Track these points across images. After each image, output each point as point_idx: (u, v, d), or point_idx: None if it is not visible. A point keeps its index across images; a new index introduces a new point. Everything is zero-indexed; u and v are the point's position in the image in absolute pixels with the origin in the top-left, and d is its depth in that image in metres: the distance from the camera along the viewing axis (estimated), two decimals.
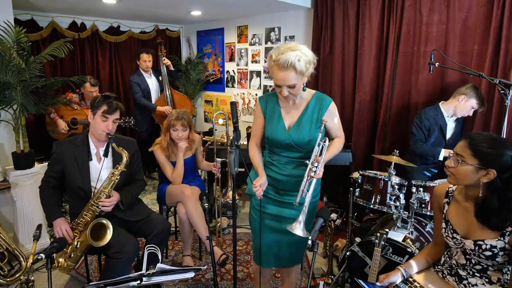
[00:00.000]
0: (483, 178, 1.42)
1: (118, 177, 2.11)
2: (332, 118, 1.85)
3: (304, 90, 1.78)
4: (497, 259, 1.43)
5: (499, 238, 1.42)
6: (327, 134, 1.89)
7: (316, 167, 1.70)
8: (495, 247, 1.42)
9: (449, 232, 1.58)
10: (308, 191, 1.71)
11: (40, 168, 3.00)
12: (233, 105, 1.69)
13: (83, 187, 2.15)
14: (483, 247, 1.44)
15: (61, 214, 2.15)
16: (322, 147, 1.73)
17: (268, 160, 1.91)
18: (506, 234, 1.40)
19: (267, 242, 1.96)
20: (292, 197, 1.84)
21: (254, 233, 2.02)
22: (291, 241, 1.92)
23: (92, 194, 2.14)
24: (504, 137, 2.38)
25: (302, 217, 1.65)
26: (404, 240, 2.19)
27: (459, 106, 2.73)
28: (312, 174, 1.69)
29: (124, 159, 2.12)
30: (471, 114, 2.76)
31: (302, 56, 1.63)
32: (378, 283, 1.67)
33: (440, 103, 2.85)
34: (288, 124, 1.83)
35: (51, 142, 3.80)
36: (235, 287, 1.92)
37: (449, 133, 2.85)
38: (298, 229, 1.63)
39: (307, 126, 1.79)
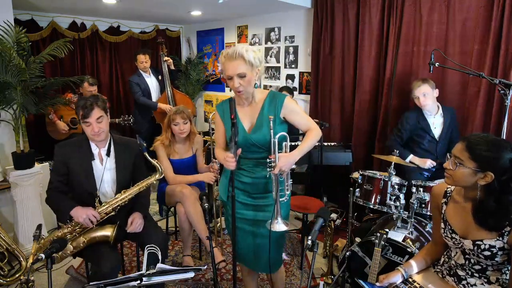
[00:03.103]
0: (480, 181, 1.42)
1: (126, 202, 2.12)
2: (292, 112, 1.84)
3: (255, 87, 1.82)
4: (496, 259, 1.43)
5: (497, 238, 1.42)
6: (299, 129, 1.92)
7: (270, 163, 1.73)
8: (494, 247, 1.42)
9: (448, 232, 1.58)
10: (282, 189, 1.78)
11: (40, 168, 3.00)
12: (232, 101, 1.69)
13: (89, 188, 2.11)
14: (482, 247, 1.44)
15: (76, 203, 2.06)
16: (274, 143, 1.73)
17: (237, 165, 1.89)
18: (505, 234, 1.40)
19: (246, 246, 1.95)
20: (265, 199, 1.86)
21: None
22: (274, 244, 1.90)
23: (96, 201, 2.10)
24: (504, 137, 2.39)
25: (278, 214, 1.73)
26: (404, 240, 2.19)
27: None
28: (268, 169, 1.74)
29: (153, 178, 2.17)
30: (422, 102, 2.78)
31: (250, 49, 1.72)
32: (378, 283, 1.67)
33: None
34: (248, 126, 1.83)
35: (51, 142, 3.85)
36: (234, 287, 1.91)
37: (438, 130, 2.87)
38: (278, 226, 1.71)
39: (266, 125, 1.79)
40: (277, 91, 1.94)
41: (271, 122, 1.71)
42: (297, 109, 1.87)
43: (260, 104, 1.85)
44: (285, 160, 1.71)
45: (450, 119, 2.87)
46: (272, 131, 1.71)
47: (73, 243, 2.03)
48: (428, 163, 2.80)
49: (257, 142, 1.79)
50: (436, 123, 2.88)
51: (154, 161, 2.17)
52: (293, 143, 2.36)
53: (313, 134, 1.85)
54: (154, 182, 2.20)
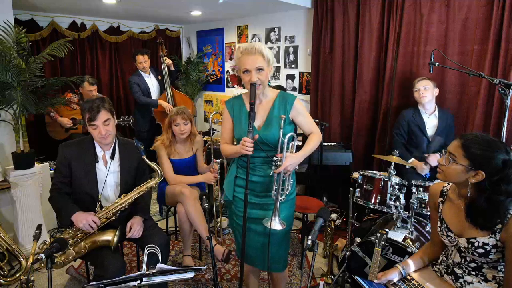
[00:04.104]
0: (471, 179, 1.44)
1: (126, 207, 2.10)
2: (299, 114, 1.89)
3: (269, 84, 1.86)
4: (490, 256, 1.45)
5: (490, 235, 1.43)
6: (301, 131, 1.97)
7: (276, 162, 1.76)
8: (487, 244, 1.44)
9: (443, 230, 1.60)
10: (283, 188, 1.80)
11: (40, 168, 3.00)
12: (253, 86, 1.71)
13: (90, 192, 2.09)
14: (476, 244, 1.46)
15: (78, 208, 2.03)
16: (283, 142, 1.76)
17: (243, 164, 1.89)
18: (497, 231, 1.42)
19: (253, 244, 1.95)
20: (271, 198, 1.86)
21: (239, 237, 1.98)
22: (279, 243, 1.92)
23: (97, 205, 2.09)
24: (504, 137, 2.39)
25: (276, 212, 1.76)
26: (404, 240, 2.19)
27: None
28: (274, 168, 1.76)
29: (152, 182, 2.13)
30: (422, 93, 2.84)
31: (266, 47, 1.80)
32: (376, 281, 1.68)
33: (418, 105, 2.96)
34: (257, 124, 1.85)
35: (51, 142, 3.85)
36: (240, 286, 1.91)
37: (430, 131, 2.92)
38: (274, 224, 1.74)
39: (276, 124, 1.82)
40: (286, 92, 1.97)
41: (282, 121, 1.74)
42: (304, 111, 1.92)
43: (271, 103, 1.88)
44: (292, 161, 1.75)
45: (446, 123, 2.90)
46: (282, 130, 1.75)
47: (75, 248, 2.01)
48: (425, 170, 2.82)
49: (266, 140, 1.81)
50: (430, 123, 2.92)
51: (153, 164, 2.15)
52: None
53: (316, 138, 1.91)
54: (154, 185, 2.18)
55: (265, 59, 1.76)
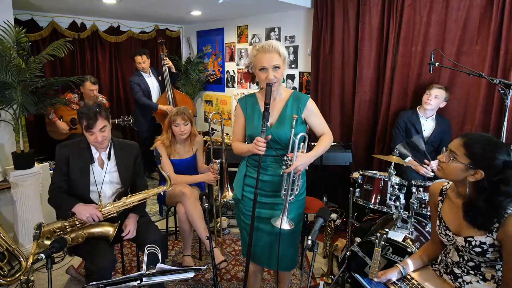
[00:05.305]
0: (470, 177, 1.43)
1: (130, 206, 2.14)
2: (312, 114, 1.91)
3: (283, 81, 1.85)
4: (487, 255, 1.45)
5: (487, 234, 1.43)
6: (313, 132, 1.97)
7: (286, 161, 1.76)
8: (485, 243, 1.44)
9: (442, 229, 1.60)
10: (292, 188, 1.80)
11: (40, 168, 3.00)
12: (269, 86, 1.73)
13: (81, 191, 2.12)
14: (473, 243, 1.46)
15: (78, 201, 2.07)
16: (294, 142, 1.77)
17: (253, 163, 1.90)
18: (494, 230, 1.42)
19: (260, 243, 1.95)
20: (281, 197, 1.86)
21: (246, 236, 1.98)
22: (287, 243, 1.92)
23: (99, 201, 2.12)
24: (504, 137, 2.39)
25: (285, 212, 1.76)
26: (404, 240, 2.19)
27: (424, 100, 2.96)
28: (284, 168, 1.77)
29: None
30: (429, 100, 2.89)
31: (282, 45, 1.81)
32: (376, 279, 1.69)
33: (418, 107, 3.05)
34: (269, 122, 1.85)
35: (51, 142, 3.85)
36: (245, 284, 1.91)
37: (427, 132, 3.00)
38: (283, 223, 1.74)
39: (288, 123, 1.82)
40: (299, 92, 1.98)
41: (294, 121, 1.74)
42: (317, 112, 1.94)
43: (283, 102, 1.89)
44: (302, 160, 1.75)
45: (442, 128, 2.95)
46: (293, 130, 1.75)
47: (71, 234, 2.04)
48: (423, 171, 2.83)
49: (278, 139, 1.81)
50: (426, 125, 2.99)
51: (165, 174, 2.20)
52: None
53: (327, 139, 1.92)
54: (161, 193, 2.23)
55: (281, 57, 1.77)
